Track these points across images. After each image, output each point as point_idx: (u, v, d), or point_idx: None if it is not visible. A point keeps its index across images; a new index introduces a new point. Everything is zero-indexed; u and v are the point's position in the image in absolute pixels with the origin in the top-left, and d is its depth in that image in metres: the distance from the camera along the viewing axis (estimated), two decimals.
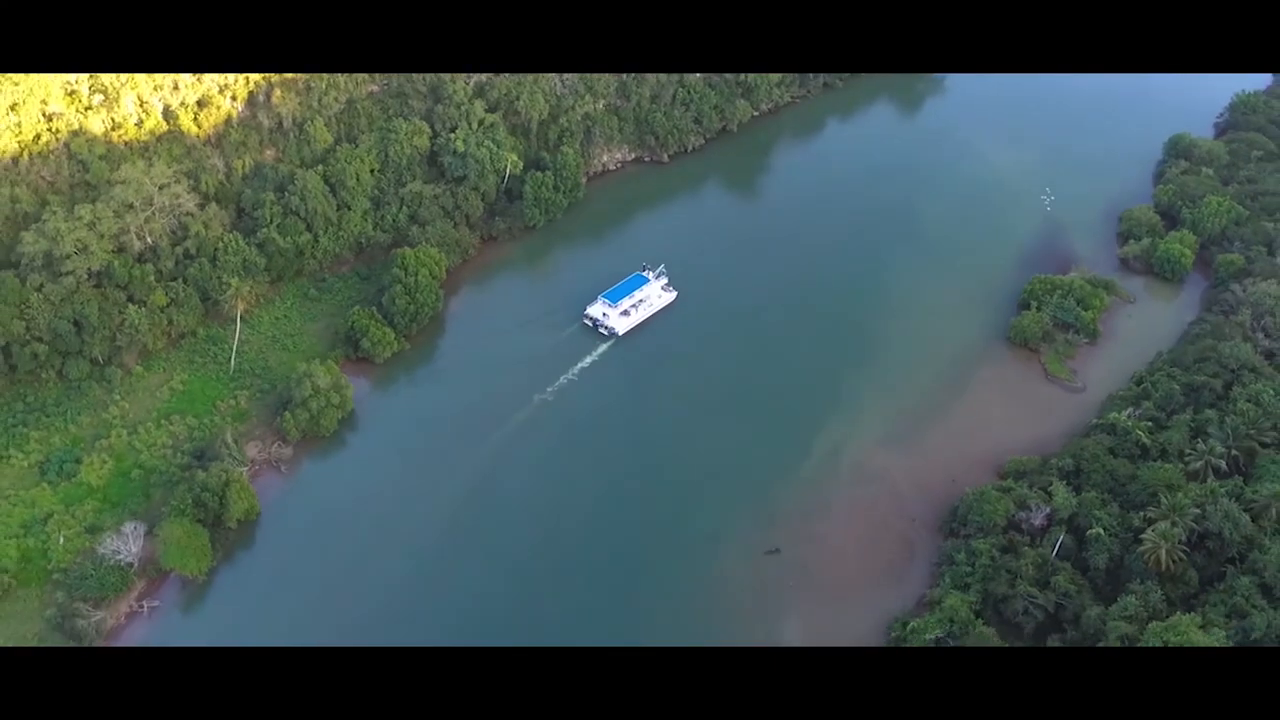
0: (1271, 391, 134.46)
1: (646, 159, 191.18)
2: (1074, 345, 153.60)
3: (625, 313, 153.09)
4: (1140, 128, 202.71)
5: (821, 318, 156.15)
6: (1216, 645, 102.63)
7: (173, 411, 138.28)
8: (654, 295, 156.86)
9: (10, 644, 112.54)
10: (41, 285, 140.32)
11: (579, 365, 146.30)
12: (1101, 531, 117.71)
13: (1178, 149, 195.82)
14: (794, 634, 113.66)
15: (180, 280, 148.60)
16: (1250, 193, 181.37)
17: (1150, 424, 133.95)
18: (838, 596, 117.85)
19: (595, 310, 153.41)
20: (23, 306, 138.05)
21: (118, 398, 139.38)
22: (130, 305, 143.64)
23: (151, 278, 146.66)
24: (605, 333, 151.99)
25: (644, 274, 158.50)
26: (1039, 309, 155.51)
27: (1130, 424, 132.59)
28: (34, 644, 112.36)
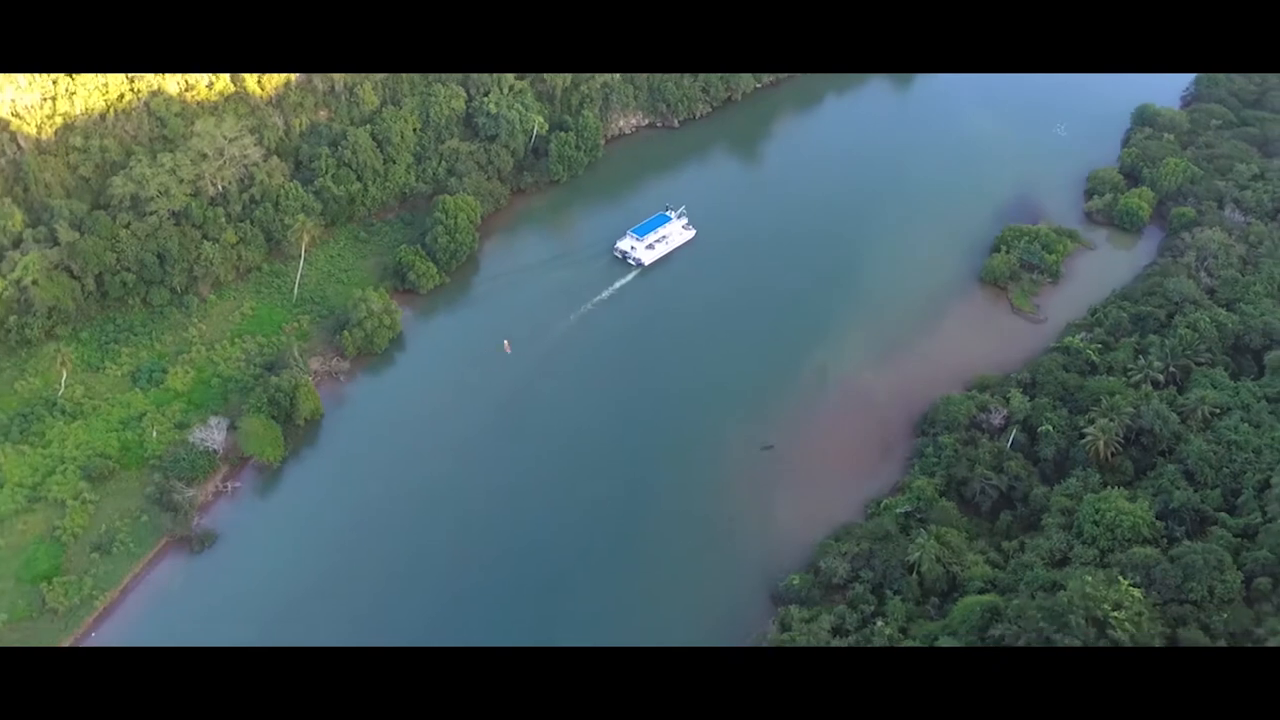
0: (1208, 320, 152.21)
1: (659, 124, 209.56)
2: (1038, 284, 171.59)
3: (650, 246, 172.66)
4: (1112, 100, 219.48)
5: (818, 258, 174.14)
6: (1142, 514, 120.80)
7: (244, 332, 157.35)
8: (675, 232, 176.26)
9: (116, 518, 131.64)
10: (129, 223, 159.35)
11: (610, 289, 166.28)
12: (1050, 429, 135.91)
13: (1143, 118, 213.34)
14: (785, 511, 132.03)
15: (247, 221, 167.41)
16: (1206, 155, 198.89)
17: (1100, 346, 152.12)
18: (824, 483, 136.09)
19: (624, 244, 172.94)
20: (113, 241, 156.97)
21: (195, 321, 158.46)
22: (205, 242, 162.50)
23: (223, 219, 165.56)
24: (633, 263, 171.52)
25: (667, 213, 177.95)
26: (1008, 252, 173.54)
27: (1082, 345, 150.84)
28: (137, 516, 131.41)
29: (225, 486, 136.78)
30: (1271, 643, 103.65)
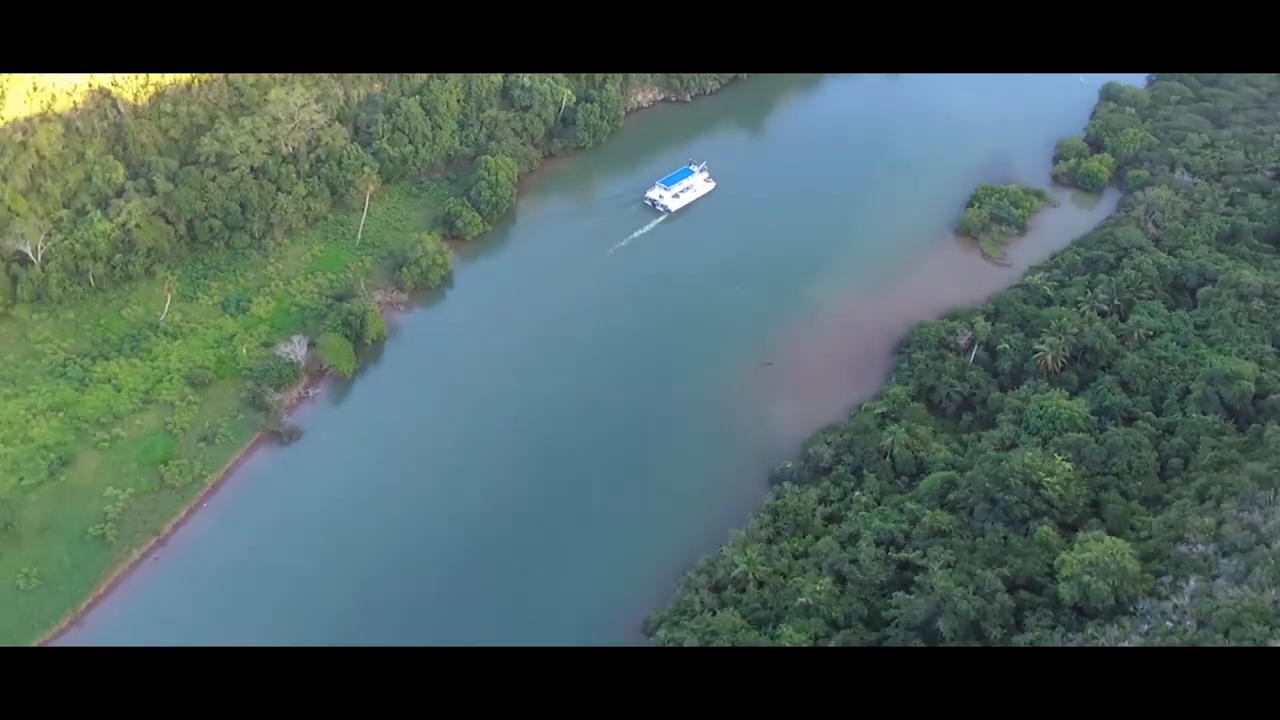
0: (1150, 262, 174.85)
1: (673, 99, 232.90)
2: (1006, 235, 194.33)
3: (676, 195, 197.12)
4: (1086, 78, 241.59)
5: (815, 212, 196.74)
6: (1079, 409, 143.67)
7: (315, 270, 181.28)
8: (698, 184, 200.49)
9: (216, 417, 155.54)
10: (214, 177, 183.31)
11: (641, 231, 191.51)
12: (1008, 347, 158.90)
13: (1109, 94, 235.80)
14: (781, 414, 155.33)
15: (315, 177, 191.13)
16: (1164, 127, 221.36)
17: (1056, 284, 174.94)
18: (815, 392, 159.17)
19: (654, 193, 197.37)
20: (202, 191, 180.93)
21: (272, 261, 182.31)
22: (279, 194, 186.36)
23: (294, 175, 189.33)
24: (661, 210, 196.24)
25: (691, 168, 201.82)
26: (980, 207, 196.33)
27: (1039, 282, 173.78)
28: (234, 415, 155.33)
29: (306, 393, 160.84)
30: (1176, 508, 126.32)
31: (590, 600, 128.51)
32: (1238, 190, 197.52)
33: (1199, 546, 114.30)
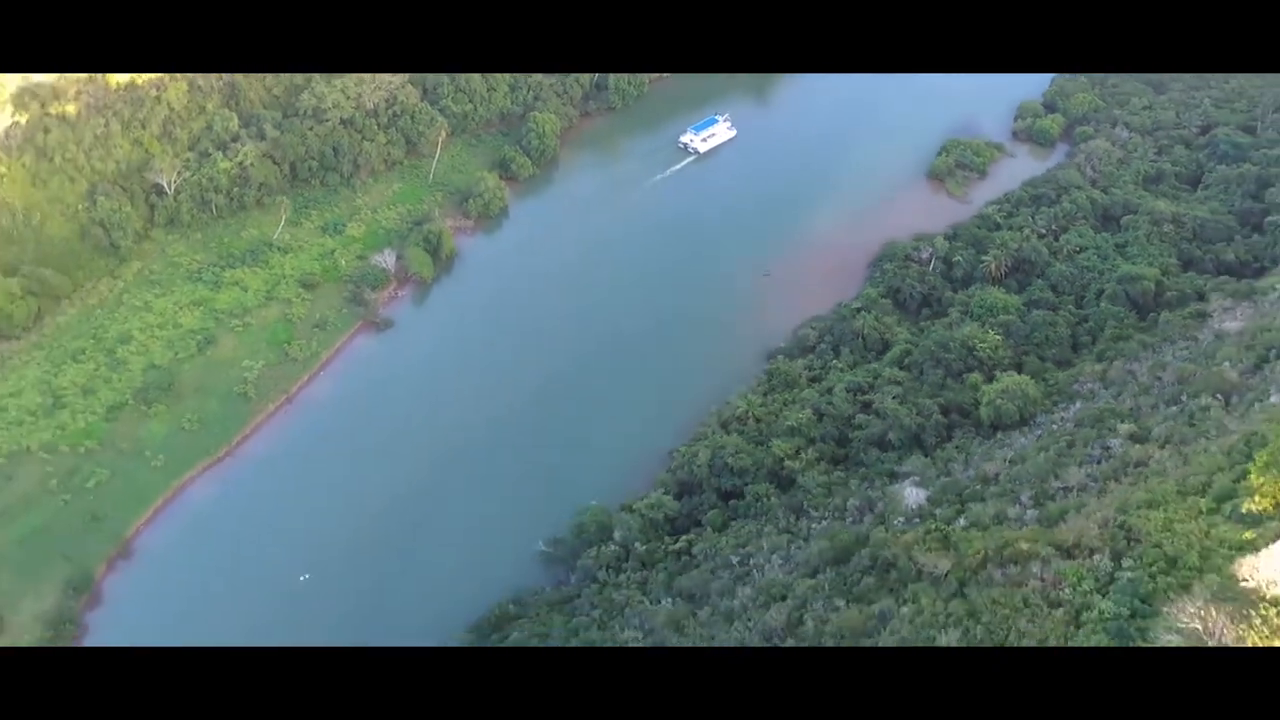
0: (1084, 196, 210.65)
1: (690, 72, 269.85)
2: (969, 179, 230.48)
3: (704, 140, 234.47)
4: None
5: (813, 159, 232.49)
6: (1012, 300, 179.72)
7: (396, 202, 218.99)
8: (722, 131, 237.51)
9: (325, 310, 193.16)
10: (312, 126, 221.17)
11: (674, 169, 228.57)
12: (961, 259, 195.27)
13: None
14: (775, 312, 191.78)
15: (393, 129, 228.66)
16: (1111, 92, 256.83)
17: (1005, 213, 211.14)
18: (805, 296, 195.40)
19: (685, 138, 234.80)
20: (303, 138, 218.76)
21: (360, 195, 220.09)
22: (364, 141, 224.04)
23: (375, 126, 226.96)
24: (691, 152, 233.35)
25: (716, 117, 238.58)
26: (948, 156, 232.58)
27: (991, 212, 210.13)
28: (339, 309, 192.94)
29: (395, 293, 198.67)
30: (1078, 365, 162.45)
31: (633, 436, 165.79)
32: (1166, 143, 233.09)
33: (1088, 384, 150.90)
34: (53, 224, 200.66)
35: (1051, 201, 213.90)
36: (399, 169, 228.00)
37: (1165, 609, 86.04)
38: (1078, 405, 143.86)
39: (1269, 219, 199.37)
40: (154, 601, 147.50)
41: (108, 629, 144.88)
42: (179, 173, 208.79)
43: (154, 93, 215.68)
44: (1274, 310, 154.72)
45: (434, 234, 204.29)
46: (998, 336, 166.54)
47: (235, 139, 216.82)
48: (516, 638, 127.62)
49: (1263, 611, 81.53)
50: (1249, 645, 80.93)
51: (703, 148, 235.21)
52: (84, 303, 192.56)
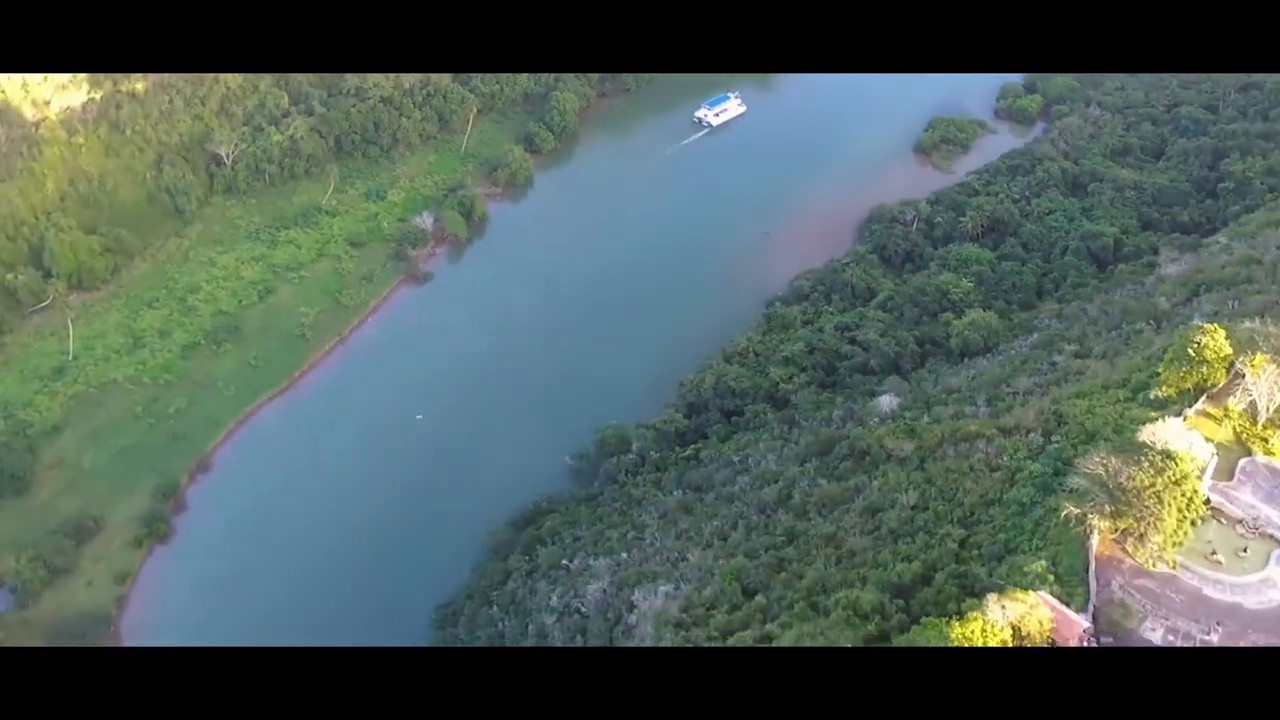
0: (1056, 167, 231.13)
1: None
2: (952, 152, 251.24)
3: (717, 115, 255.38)
4: None
5: (813, 133, 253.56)
6: (985, 255, 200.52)
7: (431, 172, 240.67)
8: (733, 107, 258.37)
9: (371, 265, 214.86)
10: (355, 104, 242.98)
11: (690, 139, 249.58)
12: (941, 220, 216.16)
13: None
14: (775, 266, 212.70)
15: (428, 107, 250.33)
16: (1087, 75, 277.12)
17: (984, 181, 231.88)
18: (802, 253, 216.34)
19: (700, 112, 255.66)
20: (346, 114, 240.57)
21: (399, 165, 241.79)
22: (401, 118, 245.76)
23: (411, 104, 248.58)
24: (704, 125, 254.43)
25: (728, 95, 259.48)
26: (934, 132, 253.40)
27: (971, 179, 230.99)
28: (384, 264, 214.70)
29: (433, 251, 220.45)
30: (1046, 311, 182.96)
31: (647, 369, 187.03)
32: (1134, 120, 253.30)
33: (1046, 320, 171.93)
34: (124, 190, 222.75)
35: (1026, 171, 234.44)
36: (433, 143, 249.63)
37: (1076, 461, 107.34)
38: (1035, 336, 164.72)
39: (1221, 185, 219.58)
40: (230, 507, 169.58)
41: (192, 529, 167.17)
42: (236, 145, 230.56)
43: (210, 74, 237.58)
44: (1212, 258, 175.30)
45: (467, 199, 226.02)
46: (969, 284, 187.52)
47: (286, 115, 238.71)
48: (549, 527, 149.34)
49: (1150, 457, 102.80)
50: (1138, 487, 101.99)
51: (715, 121, 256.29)
52: (155, 259, 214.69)
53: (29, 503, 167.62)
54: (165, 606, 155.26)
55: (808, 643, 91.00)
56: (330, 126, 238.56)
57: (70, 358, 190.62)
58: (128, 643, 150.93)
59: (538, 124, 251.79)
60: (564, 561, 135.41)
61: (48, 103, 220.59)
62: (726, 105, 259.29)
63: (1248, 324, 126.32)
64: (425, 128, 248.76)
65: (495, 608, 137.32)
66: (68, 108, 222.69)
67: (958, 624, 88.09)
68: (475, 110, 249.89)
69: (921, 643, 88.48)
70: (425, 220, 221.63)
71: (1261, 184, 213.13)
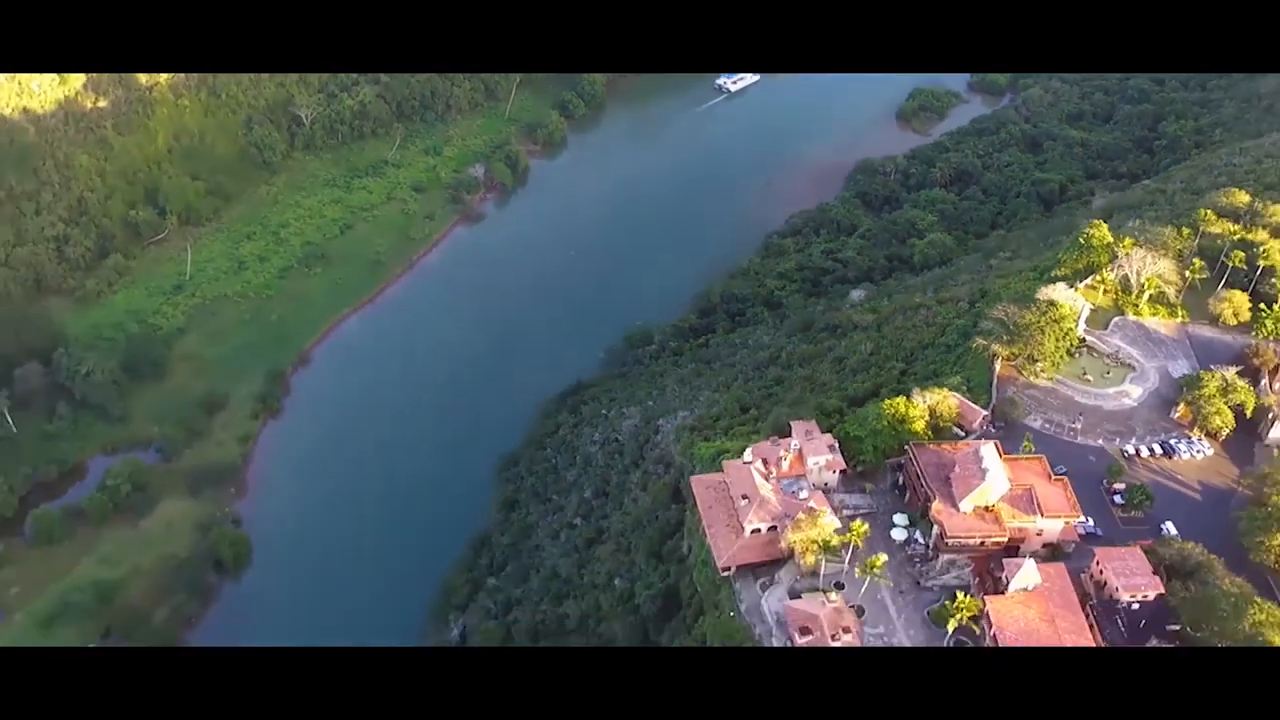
0: (1017, 129, 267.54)
1: None
2: (930, 119, 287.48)
3: (735, 82, 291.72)
4: None
5: (815, 105, 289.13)
6: (951, 198, 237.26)
7: (481, 133, 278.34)
8: (749, 76, 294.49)
9: (432, 207, 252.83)
10: (415, 74, 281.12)
11: (712, 103, 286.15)
12: (915, 171, 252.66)
13: None
14: (774, 209, 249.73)
15: (475, 78, 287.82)
16: None
17: (954, 141, 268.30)
18: (796, 198, 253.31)
19: (720, 80, 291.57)
20: (407, 82, 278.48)
21: (451, 128, 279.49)
22: (453, 86, 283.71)
23: (461, 75, 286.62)
24: (723, 92, 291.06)
25: None
26: (914, 101, 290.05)
27: (943, 139, 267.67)
28: (442, 206, 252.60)
29: (484, 196, 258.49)
30: (994, 236, 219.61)
31: (665, 288, 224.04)
32: (1089, 90, 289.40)
33: (993, 243, 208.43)
34: (220, 145, 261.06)
35: (992, 133, 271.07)
36: (481, 109, 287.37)
37: (986, 311, 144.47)
38: (981, 253, 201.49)
39: (1157, 143, 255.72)
40: (326, 389, 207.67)
41: (297, 406, 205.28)
42: (313, 108, 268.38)
43: None
44: (1131, 194, 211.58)
45: (512, 154, 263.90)
46: (934, 218, 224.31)
47: (355, 83, 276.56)
48: (589, 394, 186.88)
49: (1039, 304, 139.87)
50: (1028, 324, 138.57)
51: (734, 88, 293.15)
52: (249, 201, 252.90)
53: (166, 385, 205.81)
54: (279, 461, 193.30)
55: (785, 416, 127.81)
56: (393, 94, 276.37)
57: (187, 277, 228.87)
58: (250, 489, 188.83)
59: (571, 93, 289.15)
60: (603, 412, 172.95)
61: None
62: (742, 74, 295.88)
63: (1131, 223, 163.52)
64: (474, 96, 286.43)
65: (548, 449, 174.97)
66: (175, 74, 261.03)
67: (888, 402, 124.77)
68: (517, 82, 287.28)
69: (861, 418, 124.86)
70: (477, 171, 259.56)
71: (1190, 141, 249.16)
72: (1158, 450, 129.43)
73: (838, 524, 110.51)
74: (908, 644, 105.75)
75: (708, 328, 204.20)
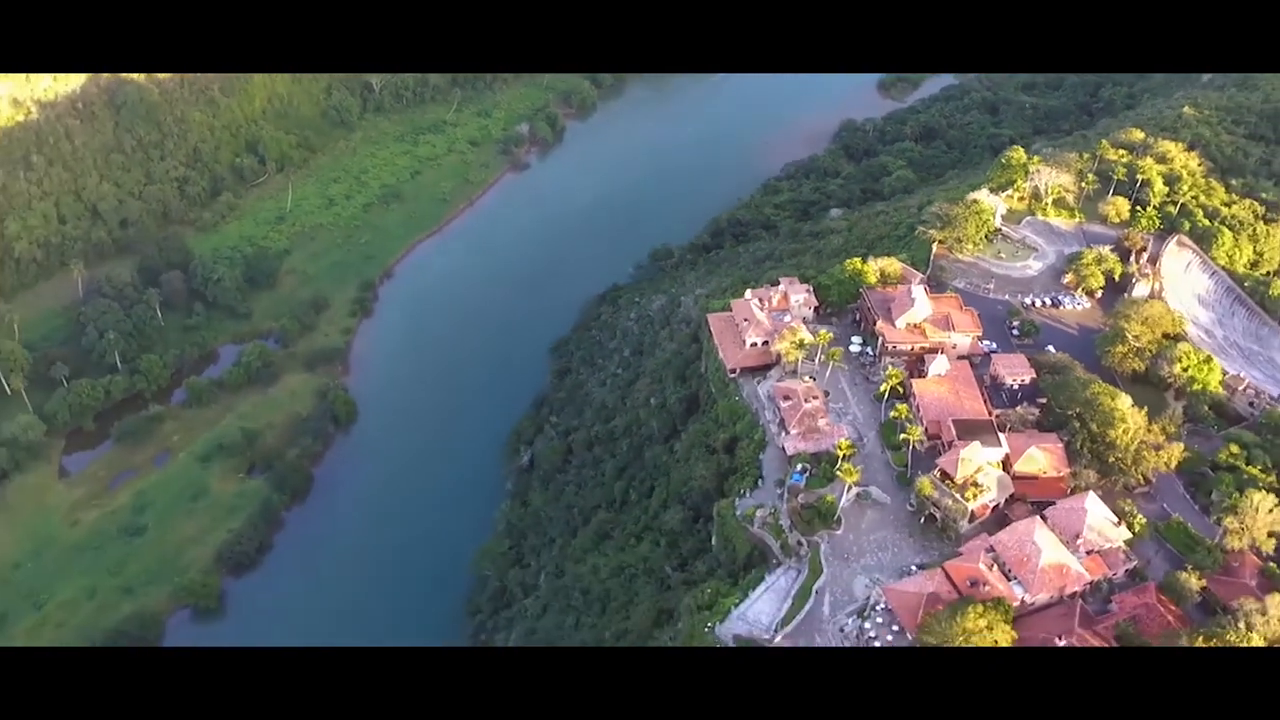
0: (978, 95, 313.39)
1: None
2: (907, 89, 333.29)
3: None
4: None
5: (808, 75, 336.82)
6: (919, 151, 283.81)
7: (523, 100, 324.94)
8: None
9: (487, 158, 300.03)
10: None
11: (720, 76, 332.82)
12: (889, 128, 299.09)
13: None
14: (773, 159, 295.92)
15: None
16: None
17: (925, 106, 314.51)
18: (792, 151, 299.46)
19: None
20: None
21: (499, 94, 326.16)
22: None
23: None
24: None
25: None
26: (893, 75, 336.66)
27: (916, 104, 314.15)
28: (495, 156, 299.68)
29: (529, 150, 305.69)
30: (951, 173, 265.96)
31: (682, 217, 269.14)
32: None
33: (952, 180, 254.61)
34: (305, 107, 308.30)
35: (958, 99, 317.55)
36: (524, 79, 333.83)
37: (926, 209, 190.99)
38: (938, 184, 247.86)
39: (1096, 106, 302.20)
40: (407, 297, 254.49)
41: (384, 307, 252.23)
42: (382, 78, 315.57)
43: None
44: (1065, 141, 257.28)
45: (551, 115, 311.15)
46: (903, 163, 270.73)
47: None
48: (623, 290, 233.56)
49: (964, 202, 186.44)
50: (956, 214, 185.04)
51: None
52: (332, 153, 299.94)
53: (279, 292, 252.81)
54: (373, 347, 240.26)
55: (776, 275, 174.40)
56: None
57: (287, 210, 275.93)
58: (353, 368, 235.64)
59: None
60: (636, 299, 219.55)
61: None
62: None
63: (1044, 150, 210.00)
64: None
65: (593, 330, 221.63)
66: None
67: (850, 261, 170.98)
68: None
69: (831, 274, 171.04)
70: (523, 129, 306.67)
71: (1121, 104, 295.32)
72: (1049, 303, 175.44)
73: (811, 336, 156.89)
74: (859, 418, 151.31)
75: (717, 244, 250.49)
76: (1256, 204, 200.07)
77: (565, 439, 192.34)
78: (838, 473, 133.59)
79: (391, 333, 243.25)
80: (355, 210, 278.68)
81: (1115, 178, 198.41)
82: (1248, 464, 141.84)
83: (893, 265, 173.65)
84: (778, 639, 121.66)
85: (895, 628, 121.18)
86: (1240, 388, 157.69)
